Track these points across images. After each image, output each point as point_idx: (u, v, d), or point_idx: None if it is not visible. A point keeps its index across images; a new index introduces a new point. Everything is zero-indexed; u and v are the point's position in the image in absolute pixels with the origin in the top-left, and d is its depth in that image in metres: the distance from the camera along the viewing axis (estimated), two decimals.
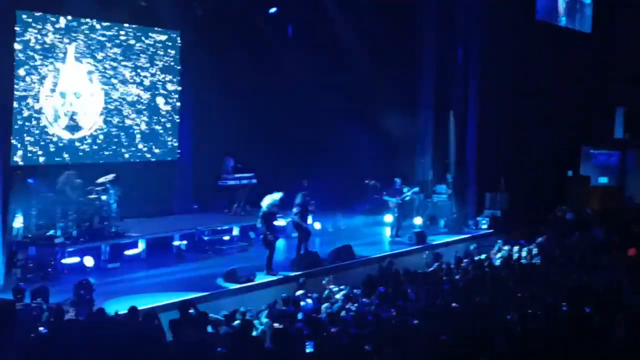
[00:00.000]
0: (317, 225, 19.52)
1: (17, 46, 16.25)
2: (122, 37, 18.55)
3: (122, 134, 18.70)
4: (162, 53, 19.50)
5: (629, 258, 14.97)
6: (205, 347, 8.17)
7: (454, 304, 11.14)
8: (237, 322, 10.33)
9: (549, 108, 23.81)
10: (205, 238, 16.94)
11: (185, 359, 7.86)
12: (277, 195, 14.79)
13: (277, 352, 8.25)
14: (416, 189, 20.21)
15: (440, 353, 8.01)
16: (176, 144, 19.94)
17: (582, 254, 15.23)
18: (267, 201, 14.72)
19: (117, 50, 18.42)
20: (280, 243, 16.59)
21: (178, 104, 19.91)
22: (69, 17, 17.35)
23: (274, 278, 14.36)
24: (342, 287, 13.30)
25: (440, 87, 22.37)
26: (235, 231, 17.64)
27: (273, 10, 20.87)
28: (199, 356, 7.95)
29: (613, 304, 10.71)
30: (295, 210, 15.82)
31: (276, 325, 10.24)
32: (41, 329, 9.81)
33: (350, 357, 8.20)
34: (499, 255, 16.61)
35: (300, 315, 11.10)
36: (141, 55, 19.01)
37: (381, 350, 8.12)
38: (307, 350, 8.38)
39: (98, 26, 17.96)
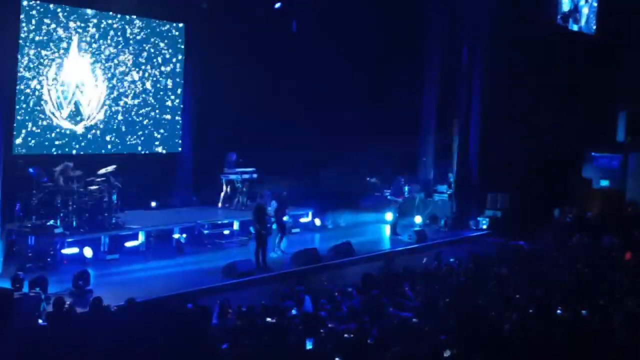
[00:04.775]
0: (318, 222, 19.54)
1: (21, 35, 16.25)
2: (127, 29, 18.53)
3: (123, 125, 18.68)
4: (166, 45, 19.48)
5: (626, 261, 14.94)
6: (205, 341, 8.15)
7: (452, 304, 11.11)
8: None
9: (552, 109, 23.76)
10: (205, 232, 16.93)
11: (185, 353, 7.84)
12: (265, 192, 14.86)
13: (274, 347, 8.24)
14: (406, 188, 20.21)
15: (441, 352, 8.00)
16: (178, 137, 19.92)
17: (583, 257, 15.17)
18: (258, 198, 14.85)
19: (121, 41, 18.40)
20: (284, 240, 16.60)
21: (181, 96, 19.89)
22: (74, 8, 17.33)
23: (273, 273, 14.34)
24: None
25: (444, 86, 22.32)
26: (236, 225, 17.62)
27: (278, 5, 20.82)
28: (200, 351, 7.93)
29: (611, 305, 10.70)
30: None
31: (269, 319, 10.23)
32: (40, 321, 9.80)
33: (350, 353, 8.18)
34: None
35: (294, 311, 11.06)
36: (145, 46, 18.99)
37: (381, 348, 8.11)
38: (307, 347, 8.36)
39: (102, 17, 17.94)
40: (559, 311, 10.56)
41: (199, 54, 19.65)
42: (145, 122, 19.17)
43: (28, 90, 16.63)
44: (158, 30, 19.30)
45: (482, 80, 21.58)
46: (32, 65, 16.66)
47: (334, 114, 21.50)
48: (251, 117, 20.58)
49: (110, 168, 16.04)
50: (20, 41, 16.27)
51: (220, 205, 19.25)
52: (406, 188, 20.21)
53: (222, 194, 19.48)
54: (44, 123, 16.99)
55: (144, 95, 19.09)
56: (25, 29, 16.42)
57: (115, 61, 18.36)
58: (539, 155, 23.31)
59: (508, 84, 22.12)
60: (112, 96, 18.38)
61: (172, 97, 19.78)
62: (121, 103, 18.61)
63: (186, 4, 19.33)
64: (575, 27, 25.63)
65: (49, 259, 13.94)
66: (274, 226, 16.11)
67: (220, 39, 19.65)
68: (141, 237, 15.90)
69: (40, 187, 15.06)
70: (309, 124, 21.36)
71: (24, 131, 16.61)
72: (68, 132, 17.48)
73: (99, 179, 15.82)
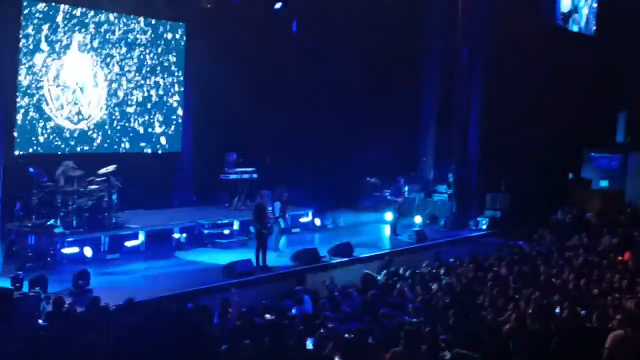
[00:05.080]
0: (317, 222, 19.57)
1: (21, 36, 16.26)
2: (127, 28, 18.52)
3: (124, 125, 18.69)
4: (166, 45, 19.48)
5: (624, 262, 14.95)
6: (205, 342, 8.15)
7: (452, 304, 11.13)
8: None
9: (551, 110, 23.79)
10: (205, 231, 16.94)
11: (185, 353, 7.84)
12: (264, 192, 14.87)
13: (274, 347, 8.25)
14: (406, 188, 20.26)
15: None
16: (178, 137, 19.92)
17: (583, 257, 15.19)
18: (258, 197, 14.87)
19: (121, 41, 18.40)
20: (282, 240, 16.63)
21: (181, 96, 19.90)
22: (74, 8, 17.34)
23: (273, 273, 14.36)
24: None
25: (444, 86, 22.34)
26: (236, 225, 17.64)
27: (278, 5, 20.84)
28: (200, 351, 7.93)
29: (610, 306, 10.72)
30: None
31: (268, 316, 10.29)
32: (40, 321, 9.80)
33: (350, 353, 8.19)
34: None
35: (294, 311, 11.09)
36: (146, 46, 18.99)
37: (381, 348, 8.13)
38: (308, 347, 8.37)
39: (103, 17, 17.95)
40: (557, 311, 10.59)
41: (200, 54, 19.65)
42: (145, 122, 19.17)
43: (28, 90, 16.62)
44: (159, 29, 19.30)
45: (482, 81, 21.59)
46: (32, 66, 16.65)
47: (334, 115, 21.51)
48: (251, 117, 20.59)
49: (111, 168, 16.05)
50: (21, 41, 16.27)
51: (220, 205, 19.32)
52: (406, 188, 20.23)
53: (223, 194, 19.52)
54: (45, 123, 16.99)
55: (144, 95, 19.09)
56: (26, 29, 16.41)
57: (116, 61, 18.36)
58: (538, 156, 23.34)
59: (508, 84, 22.13)
60: (112, 96, 18.38)
61: (173, 96, 19.79)
62: (121, 103, 18.60)
63: (187, 4, 19.34)
64: (575, 28, 25.66)
65: (48, 259, 13.96)
66: (282, 224, 16.20)
67: (221, 39, 19.67)
68: (141, 236, 15.92)
69: (40, 187, 15.07)
70: (309, 124, 21.37)
71: (24, 131, 16.61)
72: (68, 132, 17.48)
73: (99, 179, 15.83)
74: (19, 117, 16.45)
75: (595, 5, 26.29)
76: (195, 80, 19.83)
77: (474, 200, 21.49)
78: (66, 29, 17.20)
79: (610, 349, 8.46)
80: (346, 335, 8.90)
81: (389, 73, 22.10)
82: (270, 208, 15.83)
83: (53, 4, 16.94)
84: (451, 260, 15.76)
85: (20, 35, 16.24)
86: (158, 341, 8.12)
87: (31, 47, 16.59)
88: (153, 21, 19.11)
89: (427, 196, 21.77)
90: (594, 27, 26.34)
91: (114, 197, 15.85)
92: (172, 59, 19.66)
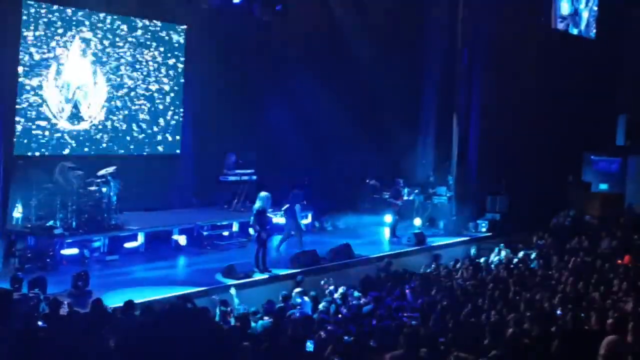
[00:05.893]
0: (317, 224, 19.56)
1: (22, 36, 16.24)
2: (128, 30, 18.53)
3: (124, 126, 18.69)
4: (167, 46, 19.49)
5: (624, 265, 14.95)
6: (205, 342, 8.15)
7: (451, 307, 11.12)
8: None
9: (551, 113, 23.78)
10: (205, 233, 16.93)
11: (185, 354, 7.84)
12: (264, 194, 14.88)
13: (273, 349, 8.24)
14: (406, 190, 20.28)
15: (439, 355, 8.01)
16: (178, 138, 19.92)
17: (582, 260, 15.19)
18: (258, 200, 14.91)
19: (121, 42, 18.41)
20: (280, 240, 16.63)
21: (181, 97, 19.90)
22: (75, 8, 17.35)
23: (268, 275, 14.36)
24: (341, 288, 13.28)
25: (443, 88, 22.34)
26: (235, 227, 17.63)
27: (278, 7, 20.83)
28: (200, 351, 7.93)
29: (610, 309, 10.71)
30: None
31: (266, 318, 10.27)
32: (39, 323, 9.78)
33: (349, 355, 8.19)
34: (496, 258, 16.60)
35: (296, 313, 11.08)
36: (146, 47, 19.00)
37: (381, 350, 8.12)
38: (308, 349, 8.35)
39: (103, 18, 17.95)
40: (558, 312, 10.59)
41: (200, 56, 19.66)
42: (145, 123, 19.18)
43: (28, 91, 16.62)
44: (159, 31, 19.31)
45: (482, 83, 21.57)
46: (33, 66, 16.65)
47: (333, 116, 21.48)
48: (251, 118, 20.60)
49: (110, 169, 16.04)
50: (21, 42, 16.25)
51: (220, 206, 19.32)
52: (405, 190, 20.22)
53: (222, 196, 19.54)
54: (45, 124, 16.99)
55: (144, 96, 19.10)
56: (27, 29, 16.41)
57: (116, 62, 18.36)
58: (538, 158, 23.34)
59: (508, 86, 22.12)
60: (112, 97, 18.38)
61: (173, 98, 19.78)
62: (121, 104, 18.61)
63: (187, 5, 19.33)
64: (575, 31, 25.65)
65: (48, 260, 13.94)
66: (303, 226, 16.48)
67: (222, 40, 19.67)
68: (140, 238, 15.91)
69: (40, 188, 15.06)
70: (308, 125, 21.34)
71: (24, 132, 16.60)
72: (68, 133, 17.48)
73: (98, 180, 15.82)
74: (19, 118, 16.42)
75: (595, 8, 26.28)
76: (195, 81, 19.83)
77: (474, 202, 21.47)
78: (67, 30, 17.20)
79: (604, 355, 8.43)
80: (345, 337, 8.89)
81: (388, 74, 22.08)
82: (270, 210, 15.81)
83: (54, 5, 16.95)
84: (450, 262, 15.78)
85: (21, 37, 16.22)
86: (159, 342, 8.14)
87: (31, 48, 16.58)
88: (153, 22, 19.11)
89: (426, 198, 21.73)
90: (594, 31, 26.33)
91: (114, 198, 15.84)
92: (173, 60, 19.66)
